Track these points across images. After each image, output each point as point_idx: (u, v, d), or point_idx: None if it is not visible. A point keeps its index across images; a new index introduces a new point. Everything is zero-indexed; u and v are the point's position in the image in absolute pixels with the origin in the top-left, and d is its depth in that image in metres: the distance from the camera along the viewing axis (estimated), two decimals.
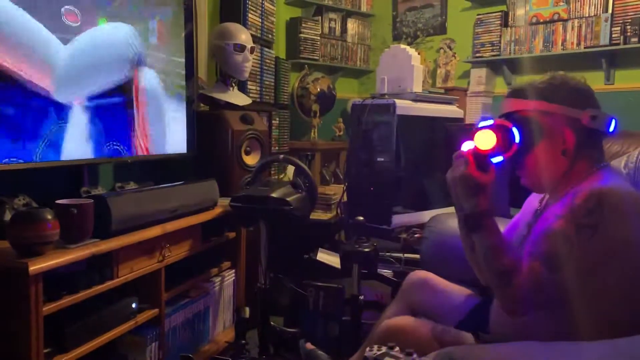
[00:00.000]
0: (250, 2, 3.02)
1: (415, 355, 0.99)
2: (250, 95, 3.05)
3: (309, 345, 1.93)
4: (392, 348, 1.02)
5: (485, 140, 1.21)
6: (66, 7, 1.73)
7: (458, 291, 1.61)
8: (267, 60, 3.32)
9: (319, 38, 4.12)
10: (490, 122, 1.27)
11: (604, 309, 1.13)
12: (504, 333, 1.26)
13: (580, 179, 1.23)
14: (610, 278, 1.13)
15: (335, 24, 4.38)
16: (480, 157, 1.21)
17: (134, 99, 2.05)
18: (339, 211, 2.80)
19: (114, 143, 1.98)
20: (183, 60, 2.33)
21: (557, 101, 1.25)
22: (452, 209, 2.58)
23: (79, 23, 1.78)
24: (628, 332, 0.99)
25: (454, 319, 1.49)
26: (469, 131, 1.25)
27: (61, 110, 1.74)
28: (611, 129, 1.25)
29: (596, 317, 1.13)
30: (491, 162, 1.22)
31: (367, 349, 1.01)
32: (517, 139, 1.22)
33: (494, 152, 1.22)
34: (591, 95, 1.28)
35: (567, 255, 1.10)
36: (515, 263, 1.16)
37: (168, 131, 2.26)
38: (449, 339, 1.33)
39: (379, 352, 1.01)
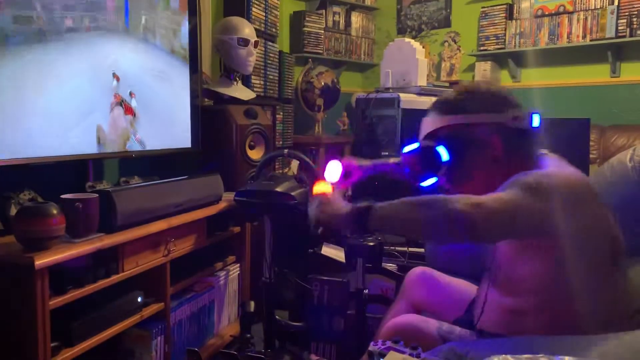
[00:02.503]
0: None
1: (420, 350, 0.99)
2: (255, 89, 3.04)
3: (314, 357, 1.94)
4: (396, 342, 1.02)
5: (331, 173, 1.41)
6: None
7: (458, 285, 1.61)
8: (271, 55, 3.31)
9: (323, 32, 4.11)
10: (416, 145, 1.29)
11: (573, 297, 1.13)
12: (495, 332, 1.25)
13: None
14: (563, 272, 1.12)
15: (340, 17, 4.36)
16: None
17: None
18: None
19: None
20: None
21: (476, 110, 1.23)
22: None
23: None
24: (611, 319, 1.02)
25: (455, 314, 1.49)
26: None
27: None
28: (535, 124, 1.24)
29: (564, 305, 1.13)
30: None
31: (372, 343, 1.01)
32: (444, 158, 1.22)
33: (423, 176, 1.27)
34: (508, 96, 1.26)
35: (507, 205, 1.07)
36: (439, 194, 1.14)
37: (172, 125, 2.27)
38: (454, 338, 1.33)
39: (383, 347, 1.01)
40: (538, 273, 1.16)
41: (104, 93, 1.91)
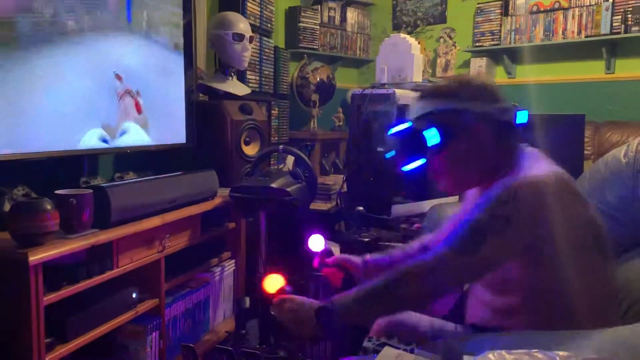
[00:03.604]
0: None
1: (414, 345, 0.99)
2: (250, 85, 3.03)
3: None
4: (391, 338, 1.02)
5: (272, 284, 1.36)
6: None
7: None
8: (266, 50, 3.30)
9: (318, 27, 4.10)
10: (405, 125, 1.30)
11: (561, 295, 1.15)
12: (486, 324, 1.26)
13: (502, 173, 1.23)
14: (549, 265, 1.14)
15: (335, 13, 4.35)
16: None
17: None
18: (338, 201, 2.80)
19: None
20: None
21: (467, 99, 1.25)
22: (451, 199, 2.58)
23: None
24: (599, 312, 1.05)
25: (444, 310, 1.49)
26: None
27: None
28: (522, 120, 1.26)
29: (555, 304, 1.15)
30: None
31: (366, 339, 1.01)
32: (432, 141, 1.24)
33: (409, 159, 1.29)
34: (498, 90, 1.29)
35: (479, 243, 1.11)
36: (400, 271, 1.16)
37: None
38: (446, 334, 1.34)
39: (377, 342, 1.01)
40: (526, 272, 1.17)
41: (108, 92, 1.91)
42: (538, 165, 1.22)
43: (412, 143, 1.27)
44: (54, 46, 1.68)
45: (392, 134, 1.33)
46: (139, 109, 2.06)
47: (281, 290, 1.32)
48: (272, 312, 1.26)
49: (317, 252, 1.55)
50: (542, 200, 1.12)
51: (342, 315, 1.14)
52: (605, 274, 1.20)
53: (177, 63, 2.30)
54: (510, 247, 1.13)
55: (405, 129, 1.29)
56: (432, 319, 1.39)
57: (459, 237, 1.14)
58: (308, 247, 1.48)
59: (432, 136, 1.24)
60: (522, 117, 1.26)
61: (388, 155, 1.34)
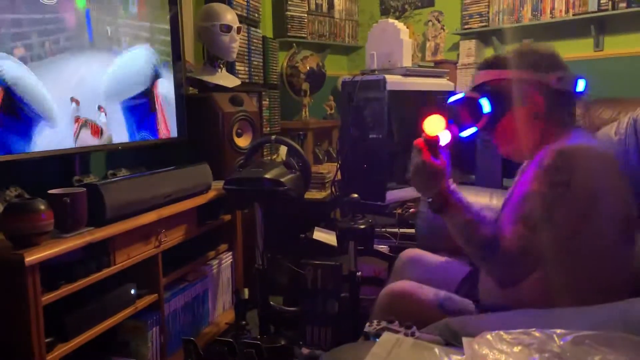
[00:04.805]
0: None
1: (414, 328, 1.00)
2: (239, 76, 3.02)
3: (305, 350, 1.96)
4: (391, 322, 1.03)
5: (433, 125, 1.23)
6: None
7: (448, 264, 1.63)
8: (255, 40, 3.28)
9: (306, 15, 4.07)
10: (461, 95, 1.34)
11: (588, 271, 1.16)
12: (494, 303, 1.27)
13: (551, 141, 1.25)
14: (591, 237, 1.15)
15: (322, 0, 4.32)
16: (431, 143, 1.24)
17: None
18: (333, 189, 2.80)
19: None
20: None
21: (524, 67, 1.28)
22: None
23: None
24: (612, 294, 1.02)
25: (448, 291, 1.50)
26: (443, 103, 1.29)
27: None
28: (579, 88, 1.29)
29: (581, 279, 1.15)
30: (441, 147, 1.24)
31: (367, 324, 1.02)
32: (485, 110, 1.27)
33: (464, 126, 1.30)
34: (557, 59, 1.31)
35: (546, 214, 1.13)
36: (495, 231, 1.18)
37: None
38: (450, 304, 1.35)
39: (378, 327, 1.02)
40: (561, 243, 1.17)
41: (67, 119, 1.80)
42: (591, 139, 1.25)
43: (468, 110, 1.31)
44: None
45: (451, 102, 1.36)
46: (97, 132, 1.95)
47: (439, 137, 1.23)
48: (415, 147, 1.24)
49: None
50: (595, 167, 1.14)
51: (441, 212, 1.24)
52: (629, 256, 1.21)
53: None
54: (576, 211, 1.14)
55: (462, 97, 1.33)
56: (435, 290, 1.40)
57: (527, 213, 1.15)
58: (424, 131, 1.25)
59: (487, 103, 1.27)
60: (581, 86, 1.28)
61: (453, 99, 1.35)
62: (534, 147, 1.29)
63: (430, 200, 1.26)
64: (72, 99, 1.82)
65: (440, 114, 1.22)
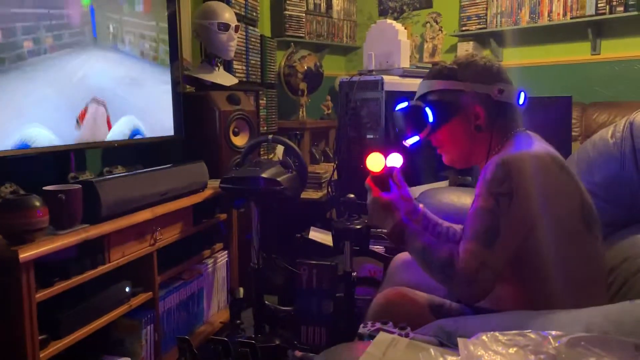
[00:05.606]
0: None
1: (408, 329, 1.00)
2: (237, 75, 3.01)
3: (298, 353, 1.95)
4: (385, 323, 1.03)
5: (374, 163, 1.34)
6: None
7: None
8: (253, 39, 3.28)
9: (304, 15, 4.07)
10: (405, 104, 1.39)
11: (554, 272, 1.16)
12: (486, 307, 1.27)
13: (495, 151, 1.28)
14: (546, 239, 1.16)
15: (320, 0, 4.32)
16: (378, 180, 1.34)
17: None
18: (329, 189, 2.80)
19: None
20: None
21: (466, 79, 1.31)
22: (441, 184, 2.59)
23: None
24: (588, 288, 1.09)
25: (440, 294, 1.50)
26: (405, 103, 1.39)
27: None
28: (520, 101, 1.32)
29: (548, 280, 1.16)
30: (389, 180, 1.35)
31: (362, 325, 1.02)
32: (429, 119, 1.31)
33: (409, 135, 1.36)
34: (500, 71, 1.33)
35: (496, 227, 1.13)
36: (451, 251, 1.18)
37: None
38: (444, 309, 1.35)
39: (372, 328, 1.02)
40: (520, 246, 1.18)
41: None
42: (531, 144, 1.24)
43: (412, 119, 1.35)
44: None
45: (396, 111, 1.40)
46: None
47: (386, 170, 1.35)
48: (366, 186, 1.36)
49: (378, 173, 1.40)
50: (535, 172, 1.15)
51: (399, 242, 1.30)
52: (593, 252, 1.21)
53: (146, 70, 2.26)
54: (523, 219, 1.14)
55: (407, 106, 1.37)
56: (429, 296, 1.41)
57: (478, 229, 1.15)
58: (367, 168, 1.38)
59: (430, 113, 1.31)
60: (522, 99, 1.32)
61: (398, 108, 1.40)
62: (482, 158, 1.32)
63: (386, 233, 1.32)
64: (70, 95, 1.81)
65: (378, 151, 1.33)
